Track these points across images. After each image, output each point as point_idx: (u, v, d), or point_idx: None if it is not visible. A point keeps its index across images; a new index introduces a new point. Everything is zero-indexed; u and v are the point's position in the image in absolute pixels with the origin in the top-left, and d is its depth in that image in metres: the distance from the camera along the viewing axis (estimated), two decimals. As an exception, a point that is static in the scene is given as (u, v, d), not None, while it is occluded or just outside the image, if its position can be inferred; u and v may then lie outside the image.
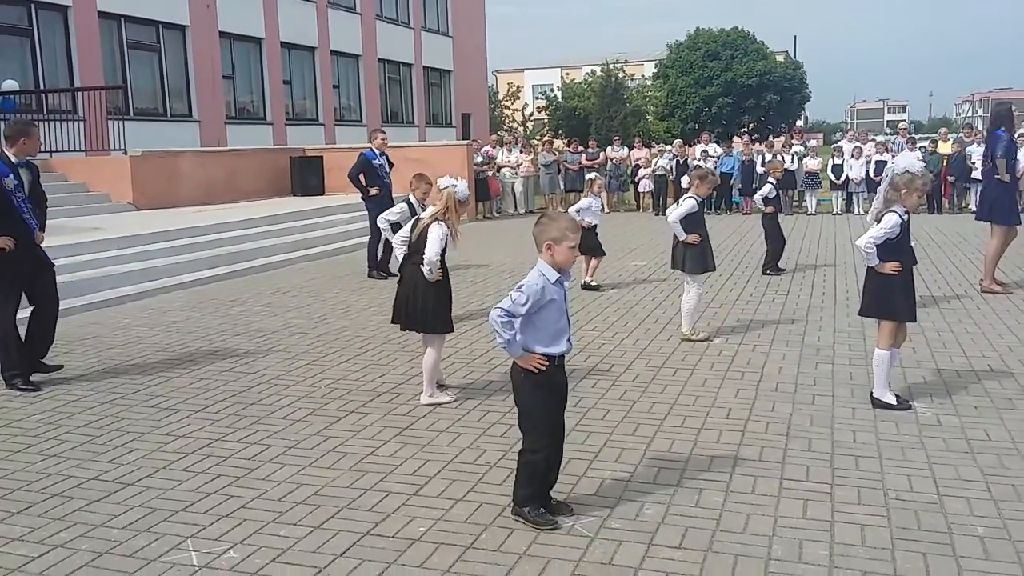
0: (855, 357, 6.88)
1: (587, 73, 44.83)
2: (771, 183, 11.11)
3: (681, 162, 19.33)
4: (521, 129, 49.30)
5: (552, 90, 46.34)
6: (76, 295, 9.53)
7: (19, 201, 6.20)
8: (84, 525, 4.03)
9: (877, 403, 5.62)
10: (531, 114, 49.59)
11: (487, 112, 39.68)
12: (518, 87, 49.23)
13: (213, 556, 3.70)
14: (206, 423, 5.48)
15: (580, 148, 21.45)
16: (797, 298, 9.40)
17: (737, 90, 47.88)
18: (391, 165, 11.62)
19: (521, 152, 20.79)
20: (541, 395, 3.96)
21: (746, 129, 48.17)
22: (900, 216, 5.52)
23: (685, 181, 8.05)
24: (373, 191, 11.15)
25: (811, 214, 19.08)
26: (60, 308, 8.88)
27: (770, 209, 11.00)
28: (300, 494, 4.36)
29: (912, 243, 5.66)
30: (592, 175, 10.84)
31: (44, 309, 6.58)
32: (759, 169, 18.34)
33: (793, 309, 8.81)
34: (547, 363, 3.93)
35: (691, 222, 7.51)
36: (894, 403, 5.59)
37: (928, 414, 5.46)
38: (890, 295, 5.59)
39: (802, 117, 60.68)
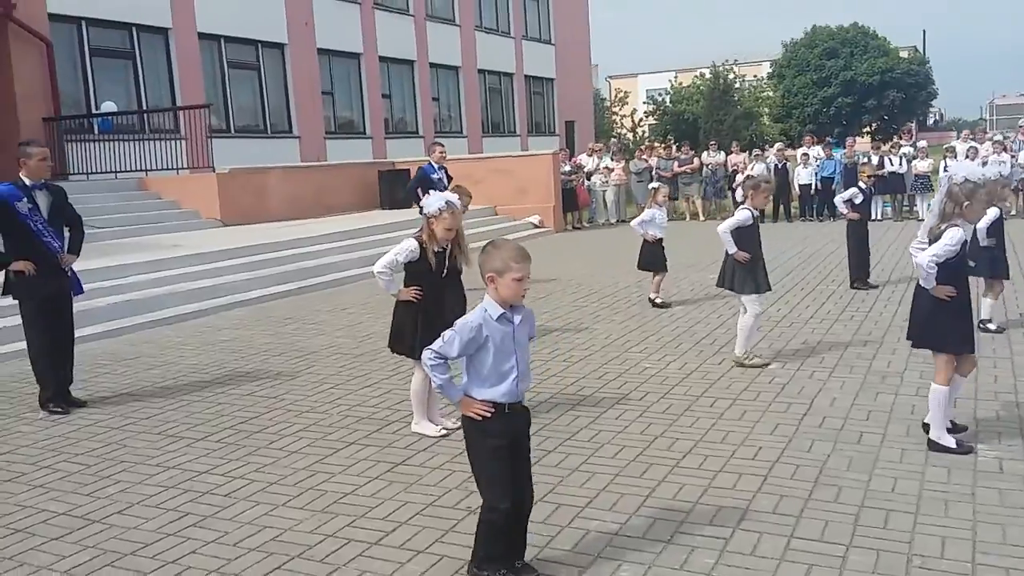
0: (924, 387, 6.06)
1: (695, 76, 43.79)
2: (860, 188, 10.31)
3: (780, 167, 18.41)
4: (630, 135, 48.75)
5: (660, 95, 45.43)
6: (141, 312, 9.69)
7: (36, 224, 6.19)
8: (29, 567, 3.88)
9: (934, 446, 4.94)
10: (640, 119, 48.90)
11: (591, 119, 39.20)
12: (626, 92, 48.52)
13: (138, 610, 3.48)
14: (202, 453, 5.31)
15: (675, 154, 20.72)
16: (879, 316, 8.61)
17: (857, 89, 45.80)
18: (449, 179, 11.33)
19: (613, 160, 20.25)
20: (489, 446, 3.50)
21: (868, 129, 46.06)
22: (963, 232, 4.85)
23: (739, 194, 7.42)
24: None
25: (921, 220, 17.78)
26: (118, 327, 9.16)
27: (855, 215, 10.20)
28: (258, 539, 4.09)
29: (972, 264, 4.96)
30: (655, 185, 10.34)
31: (64, 339, 6.60)
32: (864, 173, 17.24)
33: (870, 329, 8.05)
34: (491, 411, 3.50)
35: (743, 236, 6.94)
36: (953, 446, 4.90)
37: (990, 458, 4.76)
38: (941, 322, 4.91)
39: (931, 115, 57.58)
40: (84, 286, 9.63)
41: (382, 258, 5.47)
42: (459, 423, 5.53)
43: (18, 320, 8.33)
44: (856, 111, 46.76)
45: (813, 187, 18.50)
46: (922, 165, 18.08)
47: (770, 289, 7.24)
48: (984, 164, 14.75)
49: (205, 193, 15.25)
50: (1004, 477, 4.52)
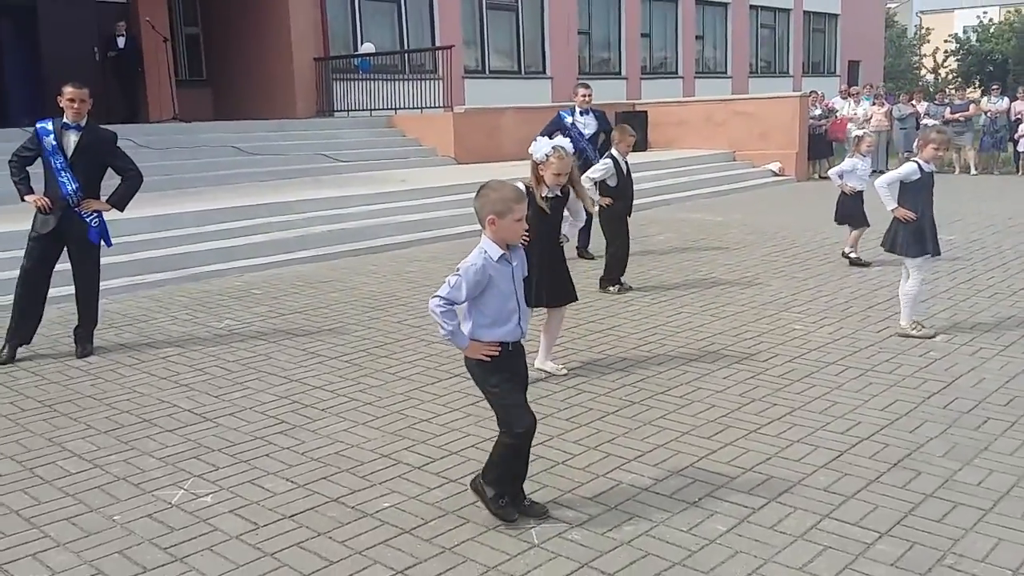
0: (1104, 376, 5.34)
1: (1008, 11, 38.87)
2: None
3: (1069, 116, 16.11)
4: (930, 77, 44.55)
5: (964, 32, 40.89)
6: (352, 241, 10.54)
7: (55, 163, 6.12)
8: (135, 451, 4.54)
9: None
10: (944, 60, 44.46)
11: (880, 59, 36.14)
12: (928, 29, 44.12)
13: (192, 498, 3.99)
14: (326, 371, 5.83)
15: (946, 99, 18.75)
16: (1110, 292, 7.47)
17: None
18: (605, 125, 9.90)
19: (873, 104, 18.68)
20: (496, 377, 3.63)
21: None
22: None
23: (915, 145, 6.65)
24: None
25: None
26: (327, 253, 10.04)
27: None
28: (325, 451, 4.49)
29: None
30: (860, 132, 9.48)
31: (76, 285, 6.43)
32: None
33: (1088, 306, 7.03)
34: (499, 350, 3.59)
35: (909, 192, 6.26)
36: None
37: None
38: None
39: None
40: (307, 216, 10.81)
41: None
42: (562, 367, 5.69)
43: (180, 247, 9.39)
44: None
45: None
46: None
47: (939, 253, 6.44)
48: None
49: (443, 132, 16.05)
50: None
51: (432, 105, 16.86)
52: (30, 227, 6.27)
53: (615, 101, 20.04)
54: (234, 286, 8.59)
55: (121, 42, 15.62)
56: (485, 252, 3.53)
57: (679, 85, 26.44)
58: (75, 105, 6.08)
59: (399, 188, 12.34)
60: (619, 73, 25.00)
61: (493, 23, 21.91)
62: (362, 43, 18.84)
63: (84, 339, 6.37)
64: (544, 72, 22.97)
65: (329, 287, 8.48)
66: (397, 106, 17.08)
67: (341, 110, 17.92)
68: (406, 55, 19.48)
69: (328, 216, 10.92)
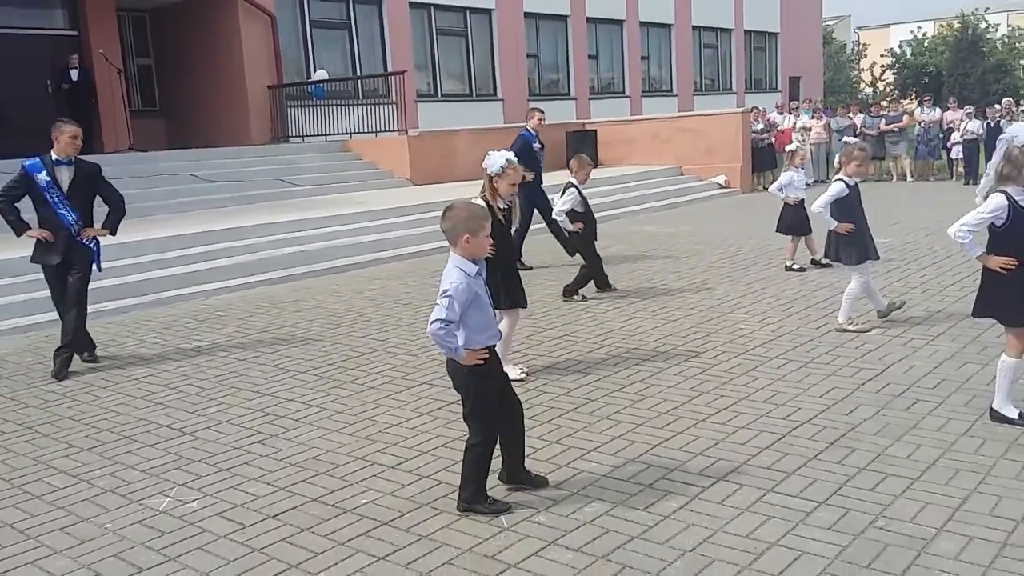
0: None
1: (940, 25, 40.36)
2: None
3: (994, 125, 16.87)
4: (869, 91, 45.88)
5: (900, 46, 42.33)
6: (314, 262, 10.77)
7: (52, 197, 6.48)
8: (118, 465, 4.75)
9: (996, 416, 4.77)
10: (882, 74, 45.85)
11: (820, 74, 37.23)
12: (865, 45, 45.50)
13: (179, 504, 4.21)
14: (297, 384, 6.07)
15: (881, 111, 19.52)
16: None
17: None
18: (543, 147, 10.79)
19: (812, 117, 19.38)
20: (489, 387, 3.94)
21: None
22: (1012, 198, 4.59)
23: (836, 160, 7.16)
24: (530, 176, 9.42)
25: None
26: (291, 274, 10.26)
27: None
28: (302, 456, 4.74)
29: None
30: (792, 146, 9.96)
31: (67, 306, 6.73)
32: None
33: (1012, 299, 7.51)
34: (487, 354, 3.90)
35: (843, 207, 6.72)
36: (1015, 417, 4.71)
37: (1040, 434, 4.52)
38: (1005, 295, 4.68)
39: None
40: (267, 239, 11.02)
41: None
42: (523, 370, 6.00)
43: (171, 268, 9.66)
44: None
45: (1037, 145, 16.79)
46: None
47: (878, 257, 6.95)
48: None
49: (398, 155, 16.34)
50: (1042, 453, 4.30)
51: (386, 129, 17.14)
52: (31, 255, 6.71)
53: (565, 121, 20.52)
54: (199, 309, 8.77)
55: (75, 74, 15.70)
56: (462, 271, 3.81)
57: (627, 104, 27.05)
58: (77, 142, 6.55)
59: (357, 210, 12.59)
60: (568, 94, 25.53)
61: (444, 48, 22.30)
62: (315, 70, 19.09)
63: (65, 362, 6.59)
64: (495, 94, 23.39)
65: (293, 307, 8.70)
66: (352, 131, 17.34)
67: (296, 136, 18.13)
68: (359, 81, 19.76)
69: (288, 239, 11.14)
